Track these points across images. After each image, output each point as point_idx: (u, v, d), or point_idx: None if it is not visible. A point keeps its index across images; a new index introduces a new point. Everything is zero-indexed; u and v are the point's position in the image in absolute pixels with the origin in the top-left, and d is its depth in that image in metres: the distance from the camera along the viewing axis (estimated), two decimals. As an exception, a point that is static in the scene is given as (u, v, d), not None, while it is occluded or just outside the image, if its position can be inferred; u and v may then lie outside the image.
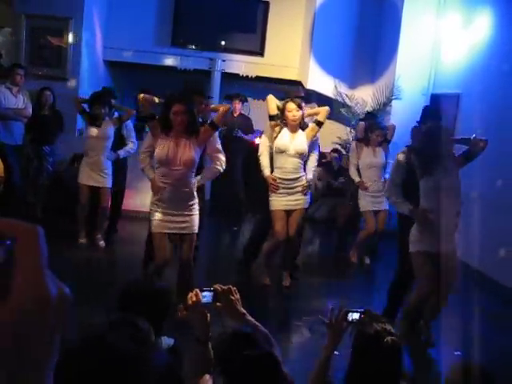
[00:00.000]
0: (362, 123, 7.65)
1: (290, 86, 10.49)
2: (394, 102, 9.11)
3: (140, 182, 7.33)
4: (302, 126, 6.03)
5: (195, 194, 5.00)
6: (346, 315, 2.67)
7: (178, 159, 4.77)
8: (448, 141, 4.75)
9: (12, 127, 7.80)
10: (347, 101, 9.63)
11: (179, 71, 10.68)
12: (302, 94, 6.34)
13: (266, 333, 2.40)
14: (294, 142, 5.92)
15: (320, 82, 10.18)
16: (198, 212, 5.04)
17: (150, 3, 10.54)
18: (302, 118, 6.02)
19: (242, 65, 10.73)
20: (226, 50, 10.71)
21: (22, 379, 0.55)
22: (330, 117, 10.92)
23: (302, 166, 6.06)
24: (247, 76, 10.72)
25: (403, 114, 8.42)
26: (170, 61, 10.77)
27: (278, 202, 6.00)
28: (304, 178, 6.04)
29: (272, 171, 6.05)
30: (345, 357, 2.52)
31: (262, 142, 6.30)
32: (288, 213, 6.04)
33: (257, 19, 10.67)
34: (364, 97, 9.55)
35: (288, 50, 10.72)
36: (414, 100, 8.80)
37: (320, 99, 11.12)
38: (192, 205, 4.96)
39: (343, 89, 9.80)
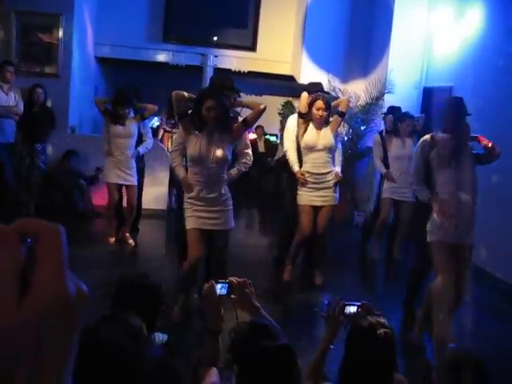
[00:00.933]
0: (390, 116, 7.63)
1: (282, 80, 10.50)
2: (386, 96, 9.11)
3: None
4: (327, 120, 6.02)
5: (228, 190, 4.92)
6: (344, 308, 2.67)
7: (211, 156, 4.65)
8: (465, 134, 4.68)
9: (3, 125, 7.76)
10: (340, 95, 9.61)
11: (171, 67, 10.66)
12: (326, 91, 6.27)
13: (278, 328, 2.37)
14: (320, 137, 5.92)
15: (312, 76, 10.14)
16: (231, 208, 4.96)
17: (142, -1, 10.52)
18: (328, 114, 5.99)
19: (234, 60, 10.73)
20: (218, 45, 10.70)
21: (42, 379, 0.54)
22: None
23: (331, 161, 6.04)
24: (239, 71, 10.71)
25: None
26: (161, 57, 10.75)
27: (307, 196, 5.99)
28: (334, 172, 6.03)
29: (300, 167, 6.04)
30: (341, 350, 2.52)
31: (289, 138, 6.24)
32: (315, 209, 6.03)
33: (248, 14, 10.66)
34: (357, 91, 9.55)
35: (280, 44, 10.71)
36: (407, 93, 8.82)
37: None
38: (225, 200, 4.88)
39: (336, 83, 9.80)
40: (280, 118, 12.07)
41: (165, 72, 10.83)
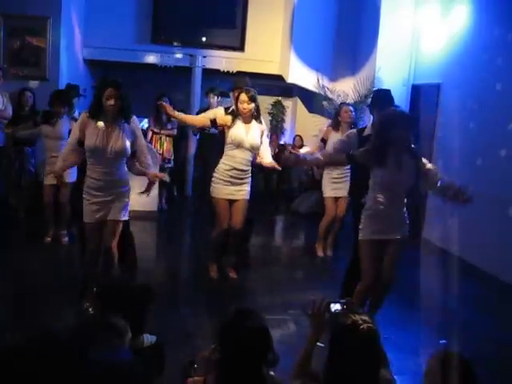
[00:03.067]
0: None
1: (271, 80, 10.52)
2: (375, 94, 9.13)
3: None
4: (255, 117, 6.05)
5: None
6: (328, 306, 2.68)
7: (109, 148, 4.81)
8: (407, 129, 4.53)
9: (-8, 129, 7.75)
10: (329, 94, 9.64)
11: (160, 68, 10.66)
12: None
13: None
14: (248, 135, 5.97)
15: (301, 75, 10.19)
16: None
17: (129, 1, 10.50)
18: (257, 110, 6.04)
19: (222, 60, 10.73)
20: (207, 45, 10.70)
21: None
22: (312, 110, 11.01)
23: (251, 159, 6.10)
24: (228, 71, 10.72)
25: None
26: (150, 58, 10.73)
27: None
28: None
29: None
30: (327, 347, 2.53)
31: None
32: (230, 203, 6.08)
33: (236, 14, 10.67)
34: (345, 89, 9.57)
35: (268, 44, 10.72)
36: (395, 91, 8.77)
37: (301, 93, 11.16)
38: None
39: (324, 82, 9.82)
40: (270, 118, 12.11)
41: (154, 73, 10.83)
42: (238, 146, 5.90)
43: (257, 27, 10.60)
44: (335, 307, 2.67)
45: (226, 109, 6.36)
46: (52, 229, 7.26)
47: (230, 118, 5.99)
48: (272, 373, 2.49)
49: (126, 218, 5.01)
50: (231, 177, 5.94)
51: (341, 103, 7.97)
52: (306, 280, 6.54)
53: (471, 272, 6.83)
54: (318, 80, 9.73)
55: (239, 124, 5.93)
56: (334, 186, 7.32)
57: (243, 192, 6.04)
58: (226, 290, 5.99)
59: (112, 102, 4.73)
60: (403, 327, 5.18)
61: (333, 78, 10.14)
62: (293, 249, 8.34)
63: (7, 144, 7.98)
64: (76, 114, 7.51)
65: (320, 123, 9.81)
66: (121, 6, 10.38)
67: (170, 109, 6.14)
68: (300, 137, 11.19)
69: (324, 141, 7.40)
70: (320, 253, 7.49)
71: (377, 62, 9.22)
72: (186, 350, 4.24)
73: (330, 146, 6.74)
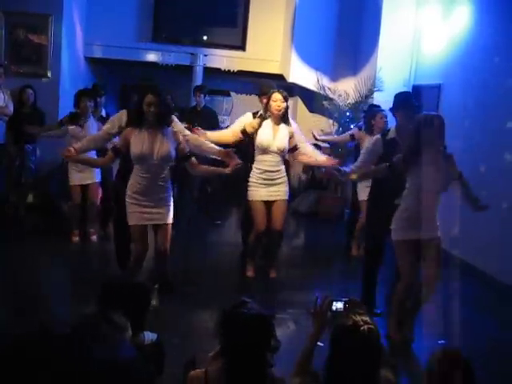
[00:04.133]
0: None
1: (271, 79, 10.50)
2: (375, 94, 9.13)
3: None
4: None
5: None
6: (331, 305, 2.69)
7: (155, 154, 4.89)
8: (440, 132, 4.69)
9: (-7, 126, 7.76)
10: (329, 93, 9.64)
11: (161, 67, 10.66)
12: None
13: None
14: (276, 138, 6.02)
15: (302, 75, 10.19)
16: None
17: (131, -1, 10.50)
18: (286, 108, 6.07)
19: (223, 59, 10.72)
20: (208, 44, 10.69)
21: None
22: (312, 110, 11.01)
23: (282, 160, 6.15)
24: (229, 70, 10.71)
25: (385, 106, 8.43)
26: (151, 56, 10.73)
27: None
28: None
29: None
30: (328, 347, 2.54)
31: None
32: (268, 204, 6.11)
33: (238, 13, 10.66)
34: (346, 89, 9.57)
35: (269, 43, 10.71)
36: (396, 91, 8.77)
37: (302, 92, 11.16)
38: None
39: (325, 81, 9.81)
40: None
41: (155, 71, 10.82)
42: (266, 150, 5.98)
43: (258, 26, 10.60)
44: (337, 306, 2.67)
45: (255, 114, 6.33)
46: (78, 228, 7.31)
47: (257, 121, 6.02)
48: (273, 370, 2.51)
49: (171, 220, 5.10)
50: (265, 179, 6.02)
51: (373, 106, 7.89)
52: (305, 279, 6.53)
53: (470, 272, 6.84)
54: (318, 80, 9.73)
55: (267, 126, 6.00)
56: (367, 190, 7.36)
57: (280, 192, 6.10)
58: (226, 288, 5.99)
59: (152, 108, 4.77)
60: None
61: (334, 78, 10.14)
62: (293, 248, 8.34)
63: (8, 141, 7.98)
64: (103, 113, 7.55)
65: (320, 123, 9.81)
66: (122, 3, 10.37)
67: (201, 132, 6.14)
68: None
69: (353, 138, 7.52)
70: (355, 252, 7.55)
71: (378, 62, 9.22)
72: (187, 347, 4.26)
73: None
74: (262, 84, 6.90)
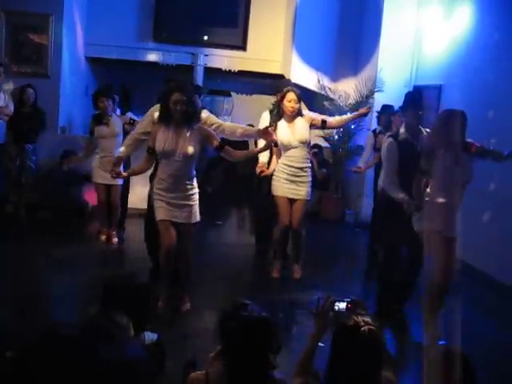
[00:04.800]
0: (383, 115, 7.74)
1: (272, 79, 10.50)
2: (376, 95, 9.13)
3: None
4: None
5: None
6: (333, 305, 2.68)
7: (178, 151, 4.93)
8: (461, 128, 4.71)
9: (-7, 126, 7.75)
10: (330, 94, 9.64)
11: (162, 66, 10.65)
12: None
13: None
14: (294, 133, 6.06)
15: (303, 75, 10.18)
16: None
17: (132, -1, 10.50)
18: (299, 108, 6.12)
19: (224, 59, 10.72)
20: (209, 44, 10.68)
21: None
22: (313, 110, 11.00)
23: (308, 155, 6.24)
24: (230, 70, 10.71)
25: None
26: (152, 56, 10.73)
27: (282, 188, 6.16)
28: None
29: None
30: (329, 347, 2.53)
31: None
32: (291, 202, 6.15)
33: (239, 13, 10.65)
34: (347, 89, 9.57)
35: (270, 43, 10.70)
36: (397, 92, 8.81)
37: (303, 92, 11.14)
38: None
39: (326, 82, 9.82)
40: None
41: (155, 71, 10.82)
42: (288, 146, 6.02)
43: (259, 26, 10.59)
44: (340, 306, 2.67)
45: (271, 111, 6.46)
46: (106, 227, 7.33)
47: (269, 126, 6.03)
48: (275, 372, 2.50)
49: (197, 219, 5.06)
50: (290, 174, 6.05)
51: (386, 107, 7.88)
52: (306, 279, 6.52)
53: (470, 273, 6.83)
54: (319, 80, 9.72)
55: (283, 125, 6.05)
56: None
57: (303, 192, 6.13)
58: (226, 288, 5.99)
59: (179, 107, 4.77)
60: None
61: (334, 78, 10.14)
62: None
63: (8, 141, 7.97)
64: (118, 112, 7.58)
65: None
66: (123, 3, 10.36)
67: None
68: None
69: (375, 147, 7.63)
70: None
71: (379, 63, 9.22)
72: (188, 348, 4.25)
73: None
74: (280, 83, 6.93)
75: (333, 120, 6.38)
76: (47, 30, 9.00)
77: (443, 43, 8.34)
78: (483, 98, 7.30)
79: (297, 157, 6.06)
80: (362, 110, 6.36)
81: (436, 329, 4.69)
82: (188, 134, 4.84)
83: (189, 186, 4.96)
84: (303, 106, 6.38)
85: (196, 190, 5.04)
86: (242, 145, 6.42)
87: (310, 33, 10.05)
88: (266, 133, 5.11)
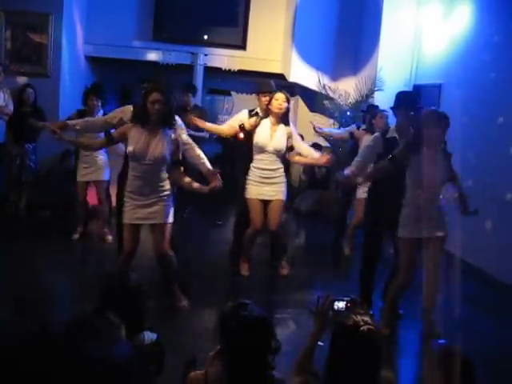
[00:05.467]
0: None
1: (272, 79, 10.49)
2: (376, 94, 9.13)
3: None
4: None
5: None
6: (332, 304, 2.68)
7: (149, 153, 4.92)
8: (444, 128, 4.72)
9: (-7, 125, 7.75)
10: (330, 93, 9.64)
11: (161, 66, 10.65)
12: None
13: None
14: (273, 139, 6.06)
15: (303, 74, 10.18)
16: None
17: (131, -2, 10.49)
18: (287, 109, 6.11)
19: (224, 59, 10.71)
20: (208, 44, 10.68)
21: None
22: (313, 109, 11.01)
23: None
24: (230, 70, 10.70)
25: (386, 106, 8.44)
26: (152, 56, 10.72)
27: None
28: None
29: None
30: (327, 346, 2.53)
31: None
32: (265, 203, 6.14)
33: (238, 13, 10.64)
34: (347, 89, 9.57)
35: (270, 43, 10.70)
36: (397, 91, 8.79)
37: (303, 92, 11.15)
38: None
39: (326, 81, 9.81)
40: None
41: (155, 71, 10.81)
42: (262, 149, 6.00)
43: (259, 26, 10.59)
44: (339, 305, 2.67)
45: (251, 111, 6.42)
46: (81, 226, 7.31)
47: (256, 119, 6.05)
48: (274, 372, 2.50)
49: (170, 220, 5.05)
50: (262, 177, 6.03)
51: (372, 106, 7.89)
52: (306, 279, 6.53)
53: (469, 272, 6.83)
54: (319, 79, 9.72)
55: (265, 126, 6.03)
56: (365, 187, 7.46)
57: (277, 192, 6.11)
58: (226, 289, 6.00)
59: (157, 106, 4.76)
60: (403, 326, 5.19)
61: (334, 78, 10.13)
62: (293, 248, 8.32)
63: (8, 141, 7.98)
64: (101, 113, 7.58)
65: (321, 123, 9.79)
66: (123, 3, 10.35)
67: (200, 122, 6.18)
68: (301, 136, 11.16)
69: (353, 137, 7.60)
70: (348, 252, 7.65)
71: (378, 62, 9.22)
72: (187, 347, 4.25)
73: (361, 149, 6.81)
74: (261, 82, 6.90)
75: (298, 152, 6.23)
76: (47, 29, 8.99)
77: (443, 42, 8.34)
78: (483, 97, 7.31)
79: (268, 160, 6.04)
80: (322, 160, 6.23)
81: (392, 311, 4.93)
82: (161, 138, 4.84)
83: (160, 189, 4.94)
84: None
85: (168, 192, 5.01)
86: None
87: (310, 32, 10.05)
88: (212, 174, 5.12)
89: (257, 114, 6.24)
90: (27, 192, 8.08)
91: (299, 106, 11.78)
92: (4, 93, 7.85)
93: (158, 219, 4.96)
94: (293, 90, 11.65)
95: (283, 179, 6.15)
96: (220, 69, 10.72)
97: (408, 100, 5.33)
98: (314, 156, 6.26)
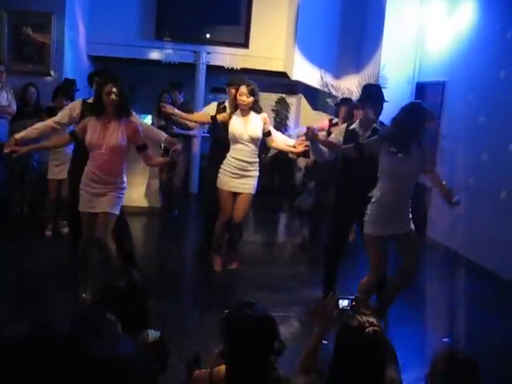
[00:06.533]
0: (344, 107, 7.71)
1: (275, 77, 10.51)
2: (379, 92, 9.09)
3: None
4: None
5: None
6: (337, 302, 2.66)
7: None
8: (425, 121, 4.72)
9: (-4, 124, 7.74)
10: (333, 91, 9.61)
11: (164, 65, 10.64)
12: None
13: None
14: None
15: (305, 72, 10.16)
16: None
17: (133, -3, 10.48)
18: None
19: (226, 57, 10.70)
20: (211, 42, 10.67)
21: None
22: (316, 107, 10.99)
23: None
24: (232, 68, 10.69)
25: (389, 103, 8.41)
26: (154, 54, 10.71)
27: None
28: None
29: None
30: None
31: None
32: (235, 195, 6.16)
33: (241, 11, 10.63)
34: (349, 86, 9.53)
35: (273, 41, 10.68)
36: (400, 89, 8.81)
37: (306, 90, 11.13)
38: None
39: (328, 79, 9.79)
40: (273, 115, 12.08)
41: (158, 69, 10.81)
42: (238, 140, 5.99)
43: (261, 24, 10.57)
44: (343, 303, 2.65)
45: (220, 104, 6.50)
46: (52, 223, 7.29)
47: (226, 115, 6.10)
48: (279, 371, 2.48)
49: (116, 212, 5.04)
50: (237, 168, 6.02)
51: (346, 100, 7.94)
52: (309, 277, 6.52)
53: (474, 270, 6.82)
54: (322, 77, 9.70)
55: (237, 118, 6.05)
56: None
57: (248, 186, 6.09)
58: (229, 287, 5.99)
59: (112, 97, 4.79)
60: (407, 325, 5.17)
61: (337, 76, 10.11)
62: (296, 246, 8.32)
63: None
64: None
65: (324, 121, 9.77)
66: (125, 1, 10.35)
67: (170, 108, 6.28)
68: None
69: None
70: None
71: (381, 60, 9.19)
72: (190, 345, 4.24)
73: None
74: (232, 76, 6.97)
75: (275, 138, 6.32)
76: (49, 28, 8.98)
77: (446, 40, 8.32)
78: (486, 94, 7.28)
79: (247, 151, 6.04)
80: (297, 150, 6.27)
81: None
82: (116, 128, 4.89)
83: (113, 178, 4.96)
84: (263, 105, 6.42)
85: (125, 185, 5.07)
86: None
87: (313, 30, 10.02)
88: (170, 142, 5.47)
89: (224, 107, 6.38)
90: (30, 191, 8.07)
91: (302, 104, 11.76)
92: (7, 92, 7.84)
93: (104, 208, 4.96)
94: (295, 88, 11.66)
95: (256, 173, 6.15)
96: (223, 67, 10.71)
97: (375, 95, 5.35)
98: (289, 143, 6.40)
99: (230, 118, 6.07)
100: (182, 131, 8.89)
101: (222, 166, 6.08)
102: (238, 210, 6.11)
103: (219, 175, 6.10)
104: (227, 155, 6.08)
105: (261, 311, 2.46)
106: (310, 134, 5.23)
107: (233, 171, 6.02)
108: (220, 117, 6.22)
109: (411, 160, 4.67)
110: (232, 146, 6.07)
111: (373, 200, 4.77)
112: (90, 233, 5.01)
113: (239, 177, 6.04)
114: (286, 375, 2.49)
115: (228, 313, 2.49)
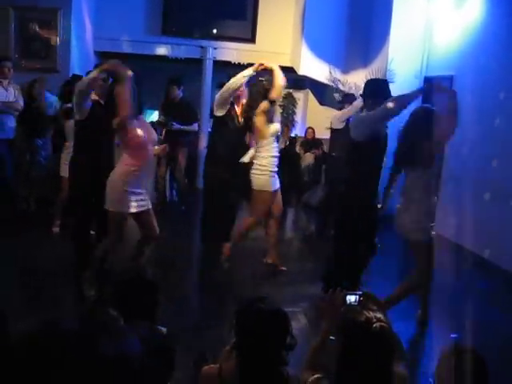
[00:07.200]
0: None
1: (282, 72, 10.42)
2: (387, 86, 9.06)
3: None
4: None
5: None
6: (344, 298, 2.64)
7: None
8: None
9: (3, 121, 7.75)
10: (340, 86, 9.57)
11: (171, 60, 10.63)
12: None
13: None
14: None
15: (312, 67, 10.13)
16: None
17: (140, -8, 10.47)
18: None
19: (233, 52, 10.68)
20: (217, 37, 10.65)
21: None
22: (323, 102, 10.95)
23: None
24: (239, 63, 10.66)
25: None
26: (161, 50, 10.71)
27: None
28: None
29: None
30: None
31: None
32: None
33: (247, 6, 10.61)
34: (357, 81, 9.49)
35: (279, 36, 10.66)
36: (408, 83, 8.75)
37: (313, 85, 11.10)
38: None
39: (336, 74, 9.76)
40: (281, 110, 12.04)
41: (164, 65, 10.80)
42: (274, 135, 6.07)
43: (268, 19, 10.54)
44: (351, 299, 2.63)
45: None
46: (60, 220, 7.27)
47: (267, 105, 6.14)
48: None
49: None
50: (276, 166, 6.06)
51: (348, 95, 7.94)
52: (316, 273, 6.50)
53: (483, 266, 6.78)
54: (330, 72, 9.66)
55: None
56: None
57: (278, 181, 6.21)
58: (237, 282, 5.97)
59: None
60: (415, 320, 5.16)
61: (344, 70, 10.07)
62: (303, 241, 8.30)
63: (18, 136, 7.99)
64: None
65: (331, 116, 9.75)
66: (131, -3, 10.36)
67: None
68: (312, 129, 11.14)
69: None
70: None
71: (389, 54, 9.15)
72: (197, 341, 4.24)
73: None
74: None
75: None
76: (56, 24, 9.01)
77: (454, 33, 8.26)
78: (494, 88, 7.23)
79: (277, 146, 6.13)
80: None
81: None
82: (144, 123, 5.20)
83: None
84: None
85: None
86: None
87: (320, 24, 9.99)
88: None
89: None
90: (37, 187, 8.08)
91: (309, 99, 11.73)
92: (14, 89, 7.85)
93: (150, 204, 5.13)
94: (302, 83, 11.62)
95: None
96: (229, 62, 10.69)
97: (377, 90, 5.29)
98: None
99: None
100: (182, 126, 8.88)
101: (265, 169, 5.97)
102: (279, 205, 6.24)
103: (267, 177, 5.98)
104: (265, 155, 5.97)
105: (273, 305, 2.46)
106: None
107: (273, 170, 6.03)
108: (263, 106, 6.10)
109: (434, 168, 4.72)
110: (268, 145, 5.98)
111: (412, 206, 4.77)
112: (121, 235, 5.01)
113: (275, 173, 6.09)
114: (294, 373, 2.47)
115: (240, 307, 2.48)
